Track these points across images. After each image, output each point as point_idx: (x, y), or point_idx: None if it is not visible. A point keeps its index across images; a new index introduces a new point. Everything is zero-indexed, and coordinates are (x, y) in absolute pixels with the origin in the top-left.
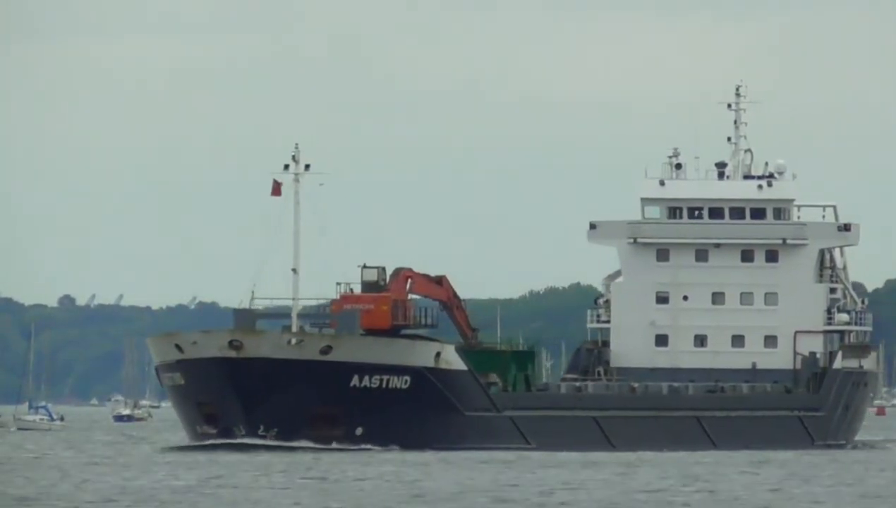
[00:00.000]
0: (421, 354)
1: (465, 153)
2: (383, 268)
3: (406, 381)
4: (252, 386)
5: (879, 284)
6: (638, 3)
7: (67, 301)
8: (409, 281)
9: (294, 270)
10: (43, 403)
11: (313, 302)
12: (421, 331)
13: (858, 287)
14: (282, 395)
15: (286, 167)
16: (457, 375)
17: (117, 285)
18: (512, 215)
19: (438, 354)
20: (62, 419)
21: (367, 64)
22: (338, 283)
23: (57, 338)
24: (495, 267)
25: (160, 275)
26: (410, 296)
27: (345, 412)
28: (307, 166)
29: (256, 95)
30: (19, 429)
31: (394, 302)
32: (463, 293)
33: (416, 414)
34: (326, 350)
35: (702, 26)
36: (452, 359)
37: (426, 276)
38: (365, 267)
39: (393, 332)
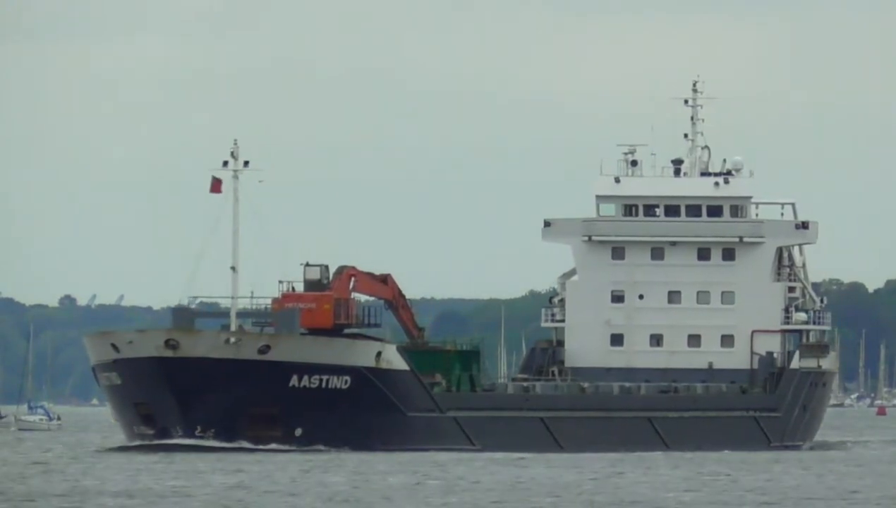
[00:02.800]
0: (361, 354)
1: (423, 151)
2: (326, 267)
3: (346, 381)
4: (189, 385)
5: (880, 284)
6: (597, 2)
7: (68, 301)
8: (353, 279)
9: (233, 268)
10: (41, 403)
11: (255, 301)
12: (365, 331)
13: (859, 287)
14: (219, 395)
15: (225, 164)
16: (398, 375)
17: (118, 285)
18: (502, 214)
19: (379, 354)
20: (59, 419)
21: (313, 61)
22: (280, 282)
23: (57, 339)
24: (494, 267)
25: (161, 275)
26: (354, 295)
27: (283, 412)
28: (246, 163)
29: (245, 95)
30: (20, 429)
31: (336, 300)
32: (462, 293)
33: (357, 414)
34: (264, 349)
35: (659, 23)
36: (394, 359)
37: (370, 275)
38: (307, 265)
39: (335, 332)
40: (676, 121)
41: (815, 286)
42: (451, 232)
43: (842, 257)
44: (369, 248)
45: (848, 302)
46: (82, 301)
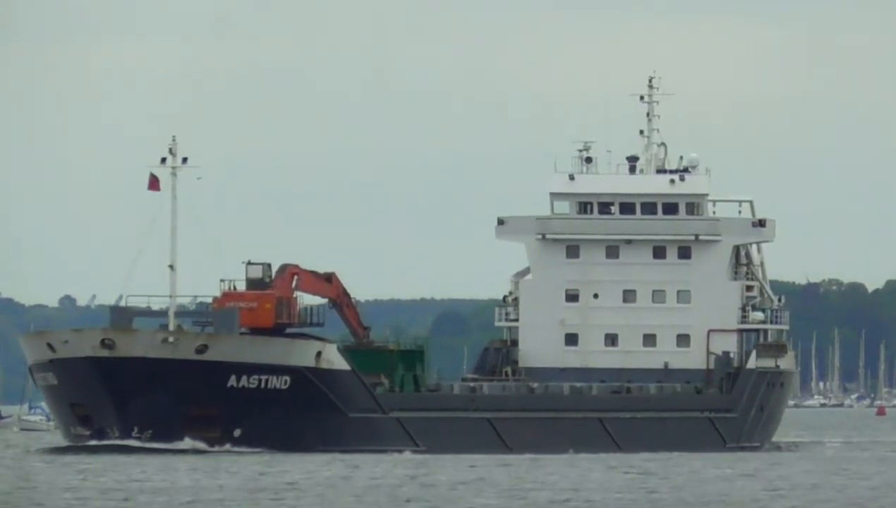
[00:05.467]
0: (301, 353)
1: (412, 152)
2: (269, 265)
3: (286, 381)
4: (125, 386)
5: (880, 284)
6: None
7: (68, 301)
8: (296, 278)
9: (171, 267)
10: (40, 404)
11: (196, 301)
12: (309, 331)
13: (859, 288)
14: (156, 396)
15: (163, 160)
16: (339, 375)
17: (118, 285)
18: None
19: (319, 353)
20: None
21: (254, 57)
22: (221, 280)
23: None
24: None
25: (161, 275)
26: (298, 294)
27: (222, 413)
28: (185, 159)
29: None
30: (22, 429)
31: (278, 299)
32: (462, 293)
33: (297, 415)
34: (202, 349)
35: (616, 19)
36: (334, 359)
37: (314, 273)
38: (249, 263)
39: (277, 331)
40: (633, 117)
41: (814, 286)
42: (451, 232)
43: (842, 257)
44: (367, 250)
45: (848, 302)
46: (82, 301)
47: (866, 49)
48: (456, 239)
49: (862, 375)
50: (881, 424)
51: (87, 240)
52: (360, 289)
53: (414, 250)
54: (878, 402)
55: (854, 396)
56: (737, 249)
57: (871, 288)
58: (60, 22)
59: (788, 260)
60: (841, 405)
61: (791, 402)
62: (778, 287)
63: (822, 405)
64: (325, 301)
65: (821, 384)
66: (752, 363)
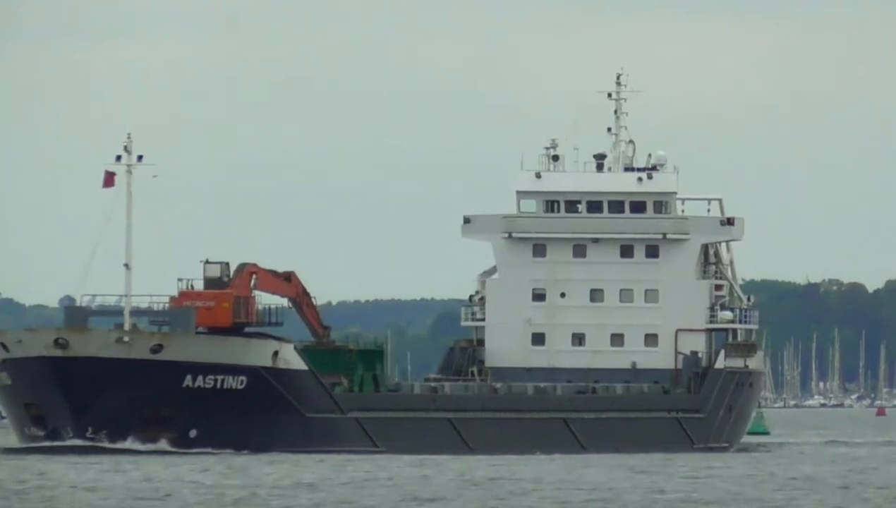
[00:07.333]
0: (257, 353)
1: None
2: (227, 264)
3: (242, 381)
4: (79, 386)
5: (880, 284)
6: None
7: (68, 301)
8: (254, 277)
9: (126, 265)
10: None
11: (150, 300)
12: (268, 330)
13: (859, 288)
14: (110, 396)
15: (118, 158)
16: (296, 375)
17: (118, 285)
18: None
19: (276, 353)
20: None
21: (213, 54)
22: (179, 279)
23: None
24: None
25: (161, 275)
26: (257, 294)
27: (177, 413)
28: (140, 157)
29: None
30: None
31: (235, 298)
32: (462, 294)
33: (253, 415)
34: (157, 348)
35: (587, 16)
36: (291, 358)
37: (273, 272)
38: (207, 262)
39: (235, 331)
40: (602, 115)
41: (814, 287)
42: (451, 232)
43: (842, 257)
44: (364, 250)
45: (848, 303)
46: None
47: (864, 47)
48: (453, 238)
49: (862, 375)
50: (876, 423)
51: (87, 240)
52: (361, 290)
53: (428, 250)
54: (878, 402)
55: (854, 396)
56: (705, 248)
57: (871, 288)
58: (55, 22)
59: (788, 261)
60: (841, 405)
61: (792, 402)
62: (778, 287)
63: (822, 405)
64: (284, 300)
65: (821, 384)
66: (721, 363)
